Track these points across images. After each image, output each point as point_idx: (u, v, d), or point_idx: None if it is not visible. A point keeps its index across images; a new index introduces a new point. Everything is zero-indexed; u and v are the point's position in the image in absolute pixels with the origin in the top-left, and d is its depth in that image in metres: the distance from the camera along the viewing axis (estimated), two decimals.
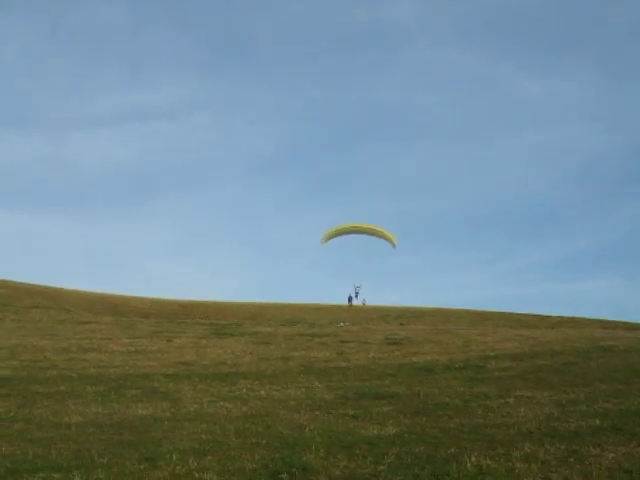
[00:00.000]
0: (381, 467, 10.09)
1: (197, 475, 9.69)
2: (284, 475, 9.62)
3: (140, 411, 15.00)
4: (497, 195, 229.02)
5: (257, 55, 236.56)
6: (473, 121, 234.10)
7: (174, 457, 10.63)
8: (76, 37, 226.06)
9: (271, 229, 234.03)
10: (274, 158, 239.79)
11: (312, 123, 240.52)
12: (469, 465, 10.14)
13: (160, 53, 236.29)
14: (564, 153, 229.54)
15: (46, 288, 70.15)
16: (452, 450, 11.17)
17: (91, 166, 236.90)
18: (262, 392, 17.89)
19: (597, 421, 13.67)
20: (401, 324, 57.80)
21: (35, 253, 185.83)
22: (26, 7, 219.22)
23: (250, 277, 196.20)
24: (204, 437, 12.29)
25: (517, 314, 77.25)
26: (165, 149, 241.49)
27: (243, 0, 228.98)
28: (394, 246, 54.97)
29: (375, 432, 12.78)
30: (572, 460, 10.54)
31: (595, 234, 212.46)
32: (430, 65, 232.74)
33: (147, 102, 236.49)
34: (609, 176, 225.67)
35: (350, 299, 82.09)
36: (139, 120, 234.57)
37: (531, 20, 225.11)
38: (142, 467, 10.08)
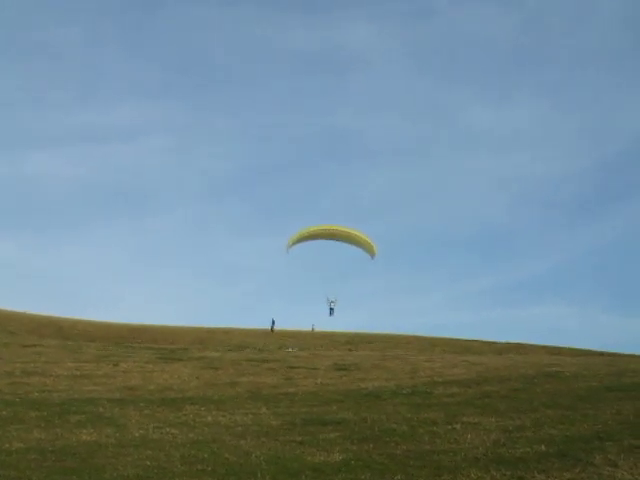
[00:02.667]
0: None
1: None
2: None
3: (84, 437, 14.77)
4: (448, 220, 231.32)
5: (212, 78, 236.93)
6: (426, 146, 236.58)
7: None
8: (31, 56, 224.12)
9: (223, 253, 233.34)
10: (227, 181, 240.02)
11: (267, 146, 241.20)
12: None
13: (116, 75, 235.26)
14: (515, 179, 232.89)
15: None
16: (398, 477, 11.19)
17: (43, 186, 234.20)
18: (209, 418, 17.74)
19: (543, 447, 13.79)
20: (350, 350, 57.93)
21: None
22: None
23: (199, 301, 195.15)
24: (149, 464, 12.14)
25: (465, 340, 77.99)
26: (119, 170, 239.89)
27: (199, 23, 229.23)
28: (373, 256, 47.42)
29: (322, 459, 12.75)
30: None
31: (543, 260, 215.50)
32: (383, 90, 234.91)
33: (102, 123, 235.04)
34: (557, 202, 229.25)
35: (273, 324, 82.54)
36: (93, 141, 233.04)
37: (483, 49, 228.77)
38: None
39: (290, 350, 51.56)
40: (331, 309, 47.11)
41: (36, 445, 13.97)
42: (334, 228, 46.00)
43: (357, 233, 46.23)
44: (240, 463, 12.28)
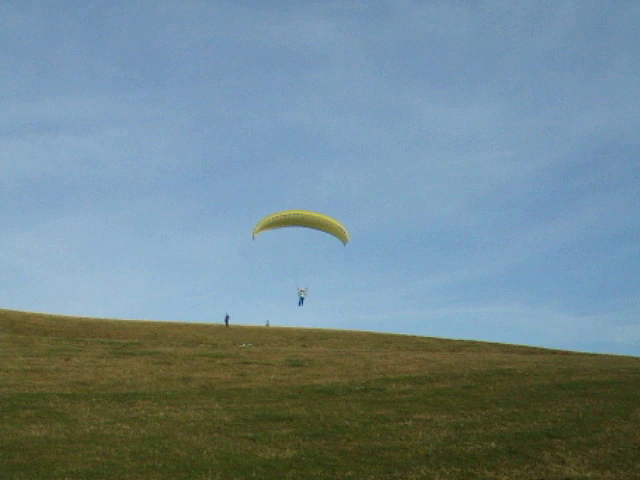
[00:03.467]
0: None
1: None
2: None
3: (34, 432, 14.61)
4: (404, 219, 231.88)
5: (168, 72, 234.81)
6: (383, 144, 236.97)
7: None
8: None
9: (177, 248, 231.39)
10: (181, 176, 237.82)
11: (222, 142, 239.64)
12: None
13: (72, 66, 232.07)
14: (470, 179, 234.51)
15: None
16: (349, 473, 11.23)
17: None
18: (161, 413, 17.67)
19: (493, 444, 13.94)
20: (304, 346, 57.99)
21: None
22: None
23: (153, 296, 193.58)
24: (99, 460, 12.05)
25: (419, 337, 78.45)
26: (73, 162, 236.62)
27: (155, 17, 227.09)
28: (345, 243, 44.31)
29: (273, 455, 12.77)
30: None
31: (498, 260, 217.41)
32: (341, 87, 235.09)
33: (57, 115, 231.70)
34: (513, 203, 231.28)
35: (227, 319, 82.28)
36: (47, 132, 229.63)
37: (441, 49, 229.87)
38: None
39: (244, 346, 51.49)
40: (301, 299, 43.67)
41: None
42: (304, 213, 43.54)
43: (328, 218, 43.90)
44: (191, 459, 12.24)
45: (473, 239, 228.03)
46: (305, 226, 43.85)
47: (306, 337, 71.76)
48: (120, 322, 77.10)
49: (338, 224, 43.25)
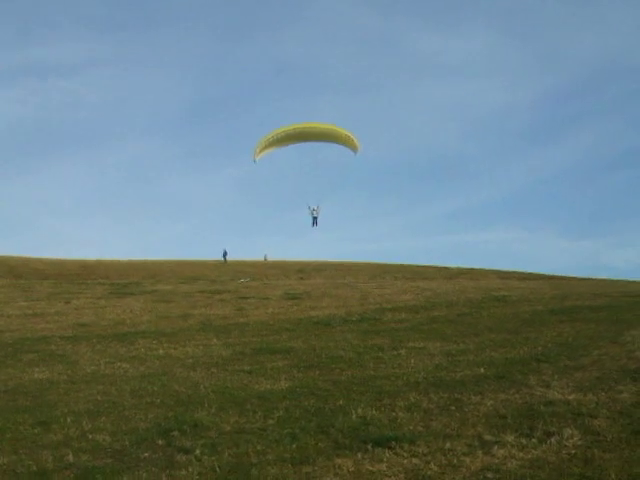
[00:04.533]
0: (270, 421, 10.44)
1: (90, 437, 9.82)
2: (175, 433, 9.84)
3: (36, 375, 14.92)
4: (399, 148, 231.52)
5: (157, 10, 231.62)
6: (376, 76, 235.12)
7: (68, 420, 10.72)
8: None
9: (173, 187, 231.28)
10: (175, 116, 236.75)
11: (213, 79, 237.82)
12: (354, 416, 10.57)
13: (58, 7, 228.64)
14: (465, 107, 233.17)
15: None
16: (340, 402, 11.59)
17: None
18: (160, 351, 18.03)
19: (482, 370, 14.34)
20: (301, 278, 58.45)
21: None
22: None
23: (151, 236, 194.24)
24: (99, 398, 12.39)
25: (416, 266, 78.85)
26: (65, 106, 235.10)
27: None
28: (355, 151, 38.84)
29: (268, 387, 13.13)
30: (453, 408, 11.10)
31: (495, 187, 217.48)
32: (331, 20, 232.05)
33: (45, 58, 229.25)
34: (509, 130, 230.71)
35: (225, 255, 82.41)
36: (37, 76, 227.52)
37: None
38: (36, 431, 10.14)
39: (242, 281, 51.94)
40: (314, 218, 41.24)
41: None
42: (307, 125, 38.79)
43: (335, 128, 39.14)
44: (189, 394, 12.59)
45: (469, 167, 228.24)
46: (310, 140, 39.25)
47: (304, 270, 72.12)
48: (119, 262, 77.45)
49: (346, 132, 38.05)
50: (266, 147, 38.93)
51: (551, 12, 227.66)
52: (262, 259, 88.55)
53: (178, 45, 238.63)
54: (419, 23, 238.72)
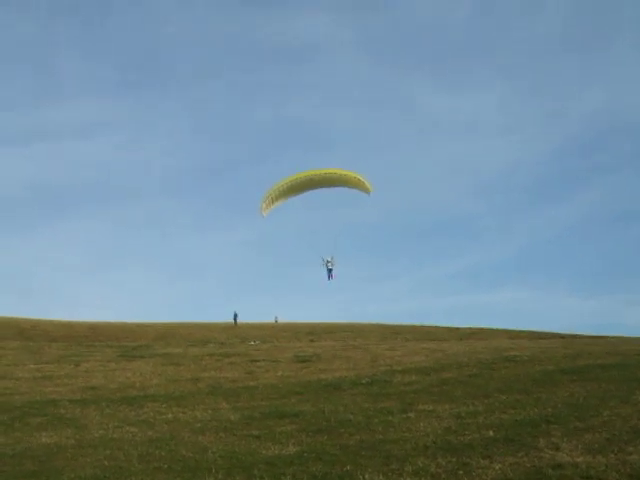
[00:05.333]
0: None
1: None
2: None
3: (44, 439, 14.93)
4: (410, 207, 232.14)
5: (166, 74, 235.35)
6: (386, 134, 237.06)
7: None
8: None
9: (182, 248, 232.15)
10: (183, 176, 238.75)
11: (223, 139, 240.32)
12: None
13: (70, 71, 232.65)
14: (474, 165, 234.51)
15: None
16: (348, 467, 11.51)
17: None
18: (169, 415, 17.98)
19: (491, 432, 14.18)
20: (312, 341, 58.17)
21: None
22: None
23: (161, 297, 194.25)
24: (107, 464, 12.37)
25: (427, 327, 78.49)
26: (76, 167, 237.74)
27: (151, 19, 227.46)
28: (368, 192, 37.70)
29: (276, 452, 13.07)
30: (461, 472, 11.00)
31: (505, 245, 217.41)
32: (340, 79, 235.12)
33: (58, 121, 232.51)
34: (516, 189, 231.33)
35: (235, 317, 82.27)
36: (49, 138, 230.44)
37: (437, 36, 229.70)
38: None
39: (252, 343, 51.79)
40: (329, 270, 39.20)
41: None
42: (312, 173, 37.56)
43: (342, 172, 37.87)
44: (196, 459, 12.55)
45: (480, 225, 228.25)
46: (319, 187, 38.02)
47: (314, 332, 71.82)
48: (128, 325, 77.39)
49: (354, 175, 38.01)
50: (274, 200, 37.94)
51: (558, 68, 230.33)
52: (273, 321, 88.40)
53: (191, 106, 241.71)
54: (426, 81, 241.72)
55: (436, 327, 78.04)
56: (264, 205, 37.76)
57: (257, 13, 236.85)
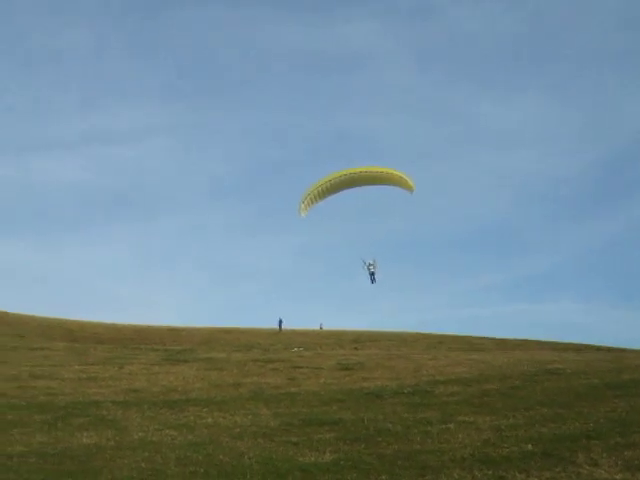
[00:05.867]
0: None
1: None
2: None
3: (85, 440, 15.07)
4: (454, 218, 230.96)
5: (215, 80, 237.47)
6: (430, 143, 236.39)
7: None
8: (35, 60, 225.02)
9: (230, 253, 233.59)
10: (231, 182, 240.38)
11: (272, 146, 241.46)
12: None
13: (119, 78, 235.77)
14: (520, 175, 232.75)
15: (6, 314, 69.72)
16: (383, 477, 11.47)
17: (48, 189, 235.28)
18: (209, 419, 18.03)
19: (529, 446, 13.98)
20: (355, 348, 58.05)
21: None
22: None
23: (207, 301, 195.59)
24: (144, 466, 12.46)
25: (472, 337, 77.97)
26: (124, 173, 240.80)
27: (201, 25, 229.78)
28: (411, 191, 36.85)
29: (312, 459, 13.05)
30: None
31: (549, 256, 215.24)
32: (387, 88, 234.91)
33: (106, 127, 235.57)
34: (563, 198, 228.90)
35: (280, 323, 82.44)
36: (99, 144, 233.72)
37: (485, 46, 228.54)
38: None
39: (295, 350, 51.81)
40: (371, 274, 37.92)
41: (38, 449, 14.30)
42: (355, 171, 36.27)
43: (384, 170, 36.67)
44: (233, 464, 12.58)
45: (524, 235, 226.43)
46: (359, 185, 36.94)
47: (358, 339, 71.73)
48: (174, 329, 78.04)
49: (398, 173, 37.02)
50: (312, 200, 37.25)
51: (605, 79, 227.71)
52: (317, 328, 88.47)
53: (237, 113, 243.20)
54: (473, 91, 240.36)
55: (480, 338, 77.47)
56: (303, 205, 37.38)
57: (306, 21, 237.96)
